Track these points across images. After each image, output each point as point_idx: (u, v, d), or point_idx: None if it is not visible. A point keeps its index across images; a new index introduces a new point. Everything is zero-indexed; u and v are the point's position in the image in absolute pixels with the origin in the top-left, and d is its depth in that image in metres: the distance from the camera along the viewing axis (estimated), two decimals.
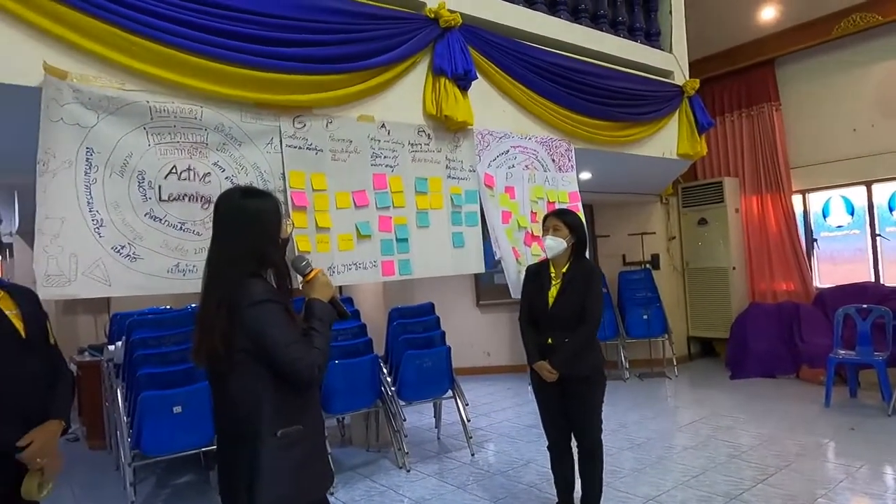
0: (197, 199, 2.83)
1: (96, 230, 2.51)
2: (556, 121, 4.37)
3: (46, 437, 1.74)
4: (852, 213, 6.54)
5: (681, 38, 5.61)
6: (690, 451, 4.09)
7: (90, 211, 2.49)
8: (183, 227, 2.79)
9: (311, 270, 1.73)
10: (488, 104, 4.01)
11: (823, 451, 4.01)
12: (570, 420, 2.92)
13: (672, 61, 5.46)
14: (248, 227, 1.61)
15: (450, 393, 4.42)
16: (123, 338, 3.94)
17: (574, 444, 2.97)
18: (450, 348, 4.40)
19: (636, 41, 5.21)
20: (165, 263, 2.73)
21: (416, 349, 4.25)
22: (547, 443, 3.04)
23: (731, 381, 6.18)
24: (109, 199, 2.55)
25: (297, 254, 1.74)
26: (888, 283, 6.09)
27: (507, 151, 4.13)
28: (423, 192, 3.69)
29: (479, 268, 4.02)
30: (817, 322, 6.11)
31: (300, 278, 1.76)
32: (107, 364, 4.49)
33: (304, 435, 1.60)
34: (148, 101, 2.64)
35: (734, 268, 6.87)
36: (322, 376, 1.60)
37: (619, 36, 5.05)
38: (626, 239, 7.01)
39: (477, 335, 7.24)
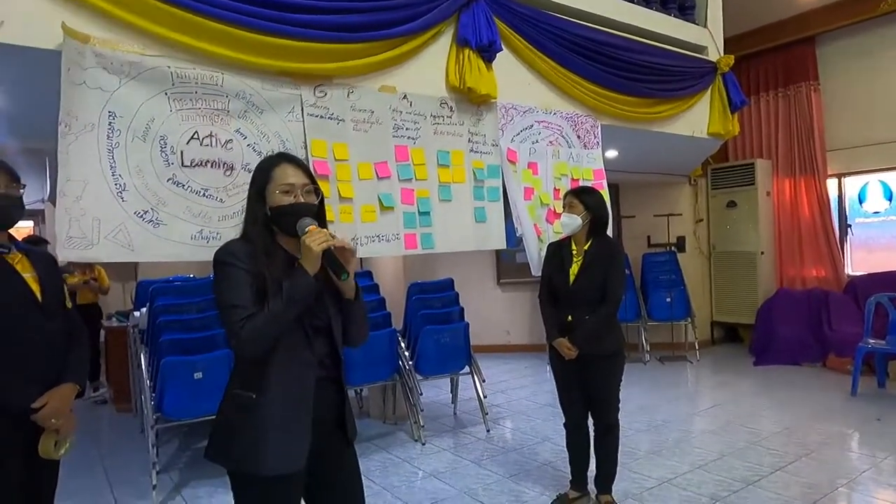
0: (219, 166, 2.84)
1: (119, 194, 2.54)
2: (583, 96, 4.27)
3: (60, 400, 1.77)
4: (890, 199, 6.30)
5: (717, 13, 5.41)
6: (709, 436, 4.04)
7: (113, 175, 2.51)
8: (206, 194, 2.80)
9: (306, 231, 1.51)
10: (513, 77, 3.93)
11: (847, 440, 3.92)
12: (588, 398, 2.90)
13: (706, 36, 5.27)
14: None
15: (467, 369, 4.42)
16: (147, 304, 4.01)
17: (591, 422, 2.95)
18: (468, 324, 4.39)
19: (669, 14, 5.03)
20: (189, 230, 2.75)
21: (435, 324, 4.24)
22: (563, 420, 3.02)
23: (754, 367, 6.07)
24: (132, 163, 2.56)
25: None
26: None
27: (531, 126, 4.05)
28: (445, 166, 3.65)
29: (501, 243, 3.98)
30: (847, 310, 5.94)
31: None
32: (132, 330, 4.59)
33: (258, 406, 1.50)
34: (169, 67, 2.63)
35: (762, 252, 6.70)
36: (251, 352, 1.48)
37: (652, 8, 4.89)
38: (651, 220, 6.87)
39: (497, 313, 7.22)
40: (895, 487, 3.16)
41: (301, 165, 1.64)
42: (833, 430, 4.06)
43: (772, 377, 5.64)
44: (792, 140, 6.75)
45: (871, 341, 4.98)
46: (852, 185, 6.60)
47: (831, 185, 6.61)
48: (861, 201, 6.54)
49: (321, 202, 1.66)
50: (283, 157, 1.65)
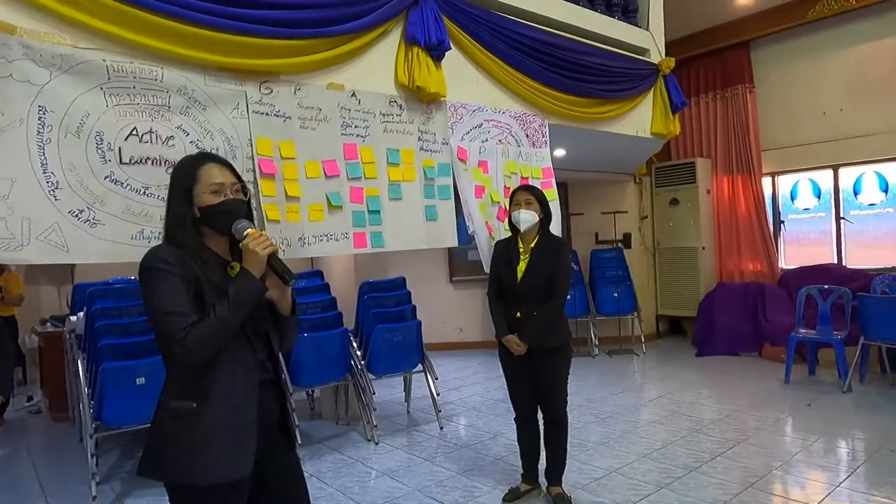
0: (161, 163, 2.74)
1: (51, 193, 2.41)
2: (531, 95, 4.33)
3: None
4: (819, 197, 6.67)
5: (658, 17, 5.59)
6: (654, 426, 4.18)
7: (44, 172, 2.39)
8: (147, 192, 2.70)
9: (246, 235, 1.49)
10: (462, 76, 3.95)
11: (781, 425, 4.13)
12: (537, 392, 2.95)
13: (649, 39, 5.44)
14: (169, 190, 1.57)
15: (420, 367, 4.42)
16: (85, 308, 3.84)
17: (540, 416, 3.01)
18: (420, 322, 4.40)
19: (613, 17, 5.17)
20: (129, 230, 2.64)
21: (387, 323, 4.23)
22: (514, 415, 3.07)
23: (696, 358, 6.32)
24: (65, 160, 2.44)
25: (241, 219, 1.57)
26: (850, 265, 6.26)
27: (481, 125, 4.09)
28: (396, 164, 3.64)
29: (453, 241, 4.00)
30: (781, 302, 6.25)
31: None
32: (69, 335, 4.39)
33: (199, 415, 1.44)
34: (105, 60, 2.52)
35: (703, 248, 6.98)
36: (197, 360, 1.42)
37: (597, 11, 5.01)
38: (598, 217, 7.06)
39: (450, 311, 7.26)
40: (823, 468, 3.36)
41: (226, 164, 1.59)
42: (768, 416, 4.27)
43: (712, 367, 5.88)
44: (729, 140, 7.05)
45: (802, 331, 5.26)
46: (785, 183, 6.95)
47: (766, 183, 6.94)
48: (793, 198, 6.90)
49: (249, 201, 1.62)
50: (207, 157, 1.59)
